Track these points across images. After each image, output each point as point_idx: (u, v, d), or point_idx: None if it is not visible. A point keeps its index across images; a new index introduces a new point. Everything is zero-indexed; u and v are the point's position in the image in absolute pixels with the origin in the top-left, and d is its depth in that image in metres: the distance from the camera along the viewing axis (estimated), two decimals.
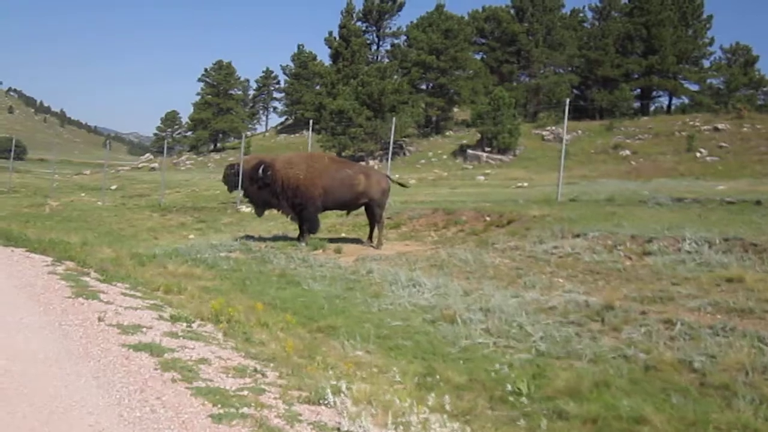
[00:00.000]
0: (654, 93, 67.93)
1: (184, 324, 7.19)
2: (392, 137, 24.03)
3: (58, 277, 9.08)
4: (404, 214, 18.36)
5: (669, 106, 68.50)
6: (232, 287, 10.74)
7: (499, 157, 49.61)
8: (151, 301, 8.36)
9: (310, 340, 7.59)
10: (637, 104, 64.54)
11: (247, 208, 24.15)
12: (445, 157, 52.82)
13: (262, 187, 14.97)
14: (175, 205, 27.06)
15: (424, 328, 8.17)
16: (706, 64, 68.75)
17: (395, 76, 54.62)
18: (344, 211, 16.88)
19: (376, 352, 7.27)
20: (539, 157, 50.01)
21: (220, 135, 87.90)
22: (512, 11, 65.16)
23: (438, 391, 5.82)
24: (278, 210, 15.63)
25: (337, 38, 59.13)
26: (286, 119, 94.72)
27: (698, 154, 44.49)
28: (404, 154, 54.10)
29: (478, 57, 64.72)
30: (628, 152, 47.68)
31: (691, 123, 52.12)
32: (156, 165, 73.12)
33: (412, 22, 67.04)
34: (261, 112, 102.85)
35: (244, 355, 6.12)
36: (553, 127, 54.54)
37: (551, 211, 15.90)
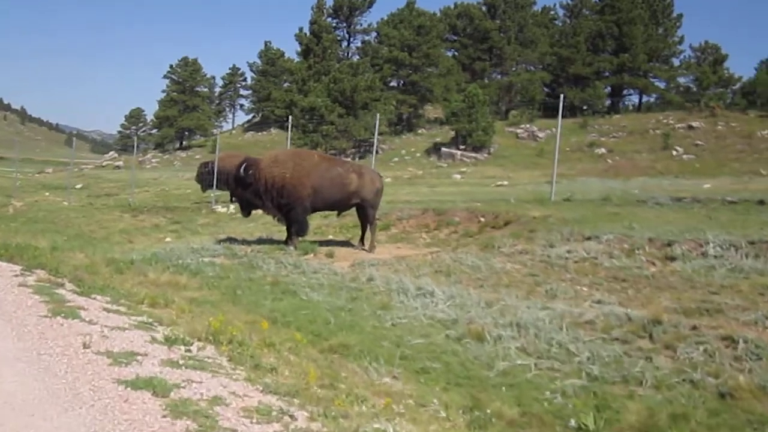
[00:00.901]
0: (625, 91, 67.80)
1: (182, 347, 6.19)
2: (377, 133, 23.27)
3: (30, 290, 7.99)
4: (393, 215, 17.45)
5: (639, 104, 68.43)
6: (223, 298, 9.73)
7: (473, 155, 48.90)
8: (138, 318, 7.33)
9: (324, 362, 6.64)
10: (608, 102, 64.27)
11: (222, 208, 23.06)
12: (418, 155, 51.98)
13: (246, 187, 13.93)
14: (145, 205, 25.83)
15: (451, 346, 7.26)
16: (676, 62, 68.94)
17: (367, 73, 53.58)
18: (333, 212, 15.91)
19: (403, 377, 6.35)
20: (514, 155, 49.45)
21: (186, 133, 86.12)
22: (484, 8, 64.55)
23: (492, 430, 4.91)
24: (264, 211, 14.58)
25: (308, 34, 57.91)
26: (254, 117, 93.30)
27: (674, 152, 44.23)
28: (377, 152, 53.05)
29: (450, 54, 64.00)
30: (603, 150, 47.30)
31: (665, 121, 51.94)
32: (121, 163, 71.47)
33: (382, 18, 66.17)
34: (228, 109, 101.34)
35: (262, 389, 5.15)
36: (528, 125, 54.02)
37: (551, 211, 15.12)
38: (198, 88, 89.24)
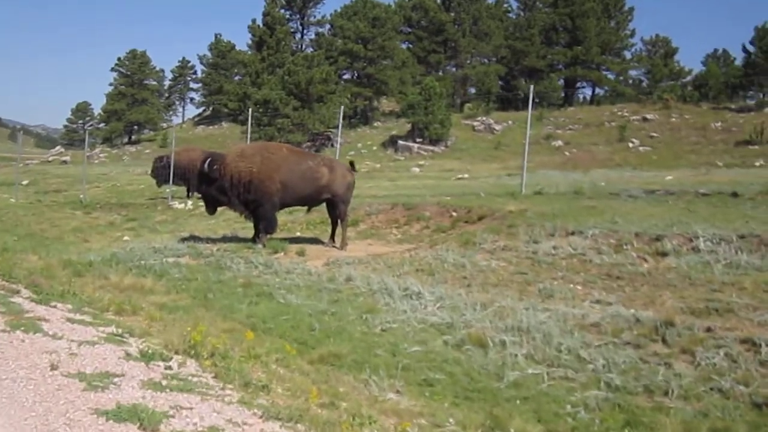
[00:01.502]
0: (578, 84, 68.15)
1: (161, 364, 5.53)
2: (340, 126, 22.31)
3: None
4: (361, 210, 16.83)
5: (592, 96, 68.95)
6: (194, 303, 9.03)
7: (431, 148, 48.52)
8: (107, 329, 6.63)
9: (318, 376, 6.04)
10: (561, 95, 64.55)
11: (180, 204, 22.19)
12: (374, 148, 51.40)
13: (211, 183, 13.18)
14: (98, 201, 24.76)
15: (451, 354, 6.71)
16: (628, 55, 69.61)
17: (323, 66, 52.75)
18: (300, 208, 15.27)
19: (406, 391, 5.78)
20: (471, 148, 49.24)
21: (136, 127, 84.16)
22: (438, 0, 64.13)
23: None
24: (230, 208, 13.83)
25: (261, 26, 56.78)
26: (204, 110, 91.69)
27: (630, 144, 44.47)
28: (332, 145, 52.19)
29: (405, 47, 63.50)
30: (560, 143, 47.37)
31: (619, 113, 52.27)
32: (68, 158, 69.32)
33: (336, 10, 65.40)
34: (177, 103, 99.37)
35: (260, 414, 4.53)
36: (484, 118, 53.85)
37: (525, 205, 14.69)
38: (147, 81, 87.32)
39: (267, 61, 53.58)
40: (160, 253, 12.52)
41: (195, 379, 5.22)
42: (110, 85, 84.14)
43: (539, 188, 18.28)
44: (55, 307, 7.47)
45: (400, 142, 49.55)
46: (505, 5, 71.32)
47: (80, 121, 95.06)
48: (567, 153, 44.68)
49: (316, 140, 52.35)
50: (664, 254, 9.98)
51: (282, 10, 60.69)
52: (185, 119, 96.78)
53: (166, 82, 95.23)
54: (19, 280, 8.97)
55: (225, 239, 14.31)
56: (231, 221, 17.16)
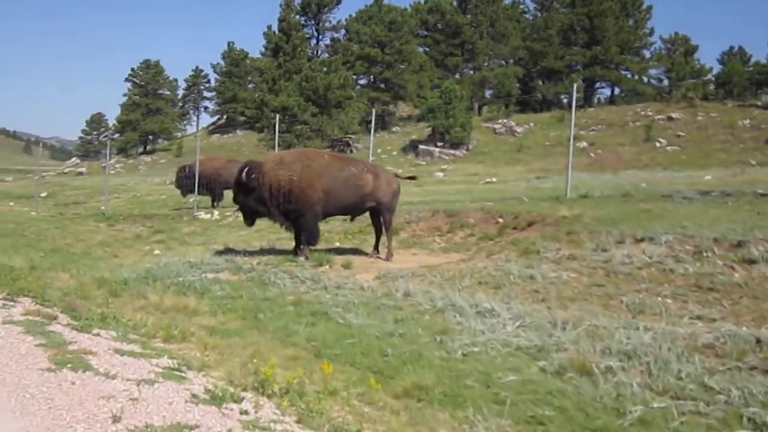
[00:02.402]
0: (597, 84, 67.15)
1: (234, 407, 4.73)
2: (373, 130, 21.39)
3: (19, 328, 6.43)
4: (400, 218, 16.00)
5: (612, 96, 67.93)
6: (244, 324, 8.24)
7: (452, 152, 47.70)
8: (160, 361, 5.86)
9: (409, 415, 5.23)
10: (582, 95, 63.53)
11: (206, 215, 21.47)
12: (395, 153, 50.66)
13: (249, 193, 12.39)
14: (120, 213, 24.10)
15: (553, 384, 5.87)
16: (647, 54, 68.57)
17: (340, 71, 52.07)
18: (335, 217, 14.47)
19: None
20: (493, 151, 48.39)
21: (150, 137, 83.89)
22: (455, 3, 63.37)
23: None
24: (270, 219, 13.03)
25: (277, 32, 56.17)
26: (219, 119, 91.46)
27: (657, 144, 43.50)
28: (351, 150, 51.50)
29: (421, 50, 62.76)
30: (585, 144, 46.40)
31: (643, 113, 51.31)
32: (83, 169, 69.08)
33: (351, 15, 64.82)
34: (192, 112, 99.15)
35: None
36: (505, 120, 53.07)
37: (578, 209, 13.81)
38: (161, 91, 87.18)
39: (283, 68, 52.87)
40: (197, 268, 11.76)
41: (279, 427, 4.42)
42: (124, 95, 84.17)
43: (584, 191, 17.39)
44: (98, 335, 6.72)
45: (421, 146, 48.74)
46: (522, 6, 70.48)
47: (95, 132, 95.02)
48: (592, 154, 43.72)
49: (334, 146, 51.61)
50: (752, 261, 9.09)
51: (297, 16, 60.02)
52: (199, 128, 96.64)
53: (180, 92, 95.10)
54: (53, 302, 8.26)
55: (263, 252, 13.52)
56: (264, 231, 16.40)
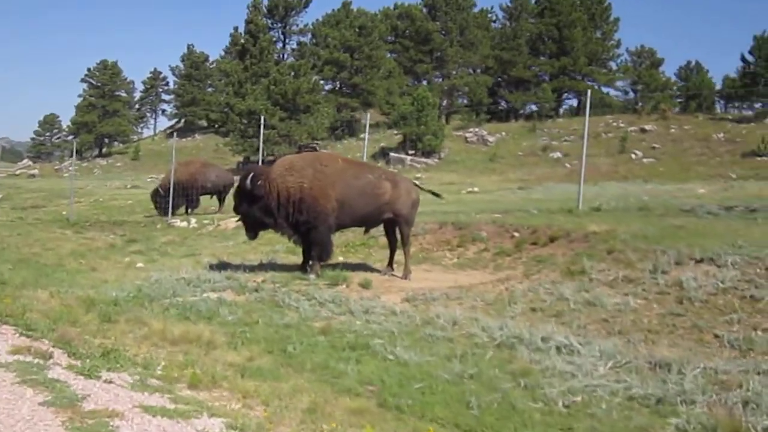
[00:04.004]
0: (564, 94, 66.78)
1: None
2: (366, 135, 20.06)
3: (11, 375, 4.98)
4: None
5: (578, 107, 67.64)
6: (275, 361, 6.86)
7: (424, 160, 46.58)
8: (205, 422, 4.49)
9: None
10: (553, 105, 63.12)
11: (182, 223, 19.90)
12: (364, 160, 49.31)
13: (254, 202, 10.95)
14: (86, 219, 22.32)
15: None
16: (613, 66, 68.57)
17: (309, 75, 50.65)
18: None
19: None
20: (465, 160, 47.44)
21: (106, 139, 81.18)
22: (425, 10, 62.40)
23: None
24: (276, 231, 11.60)
25: (244, 34, 54.45)
26: (177, 122, 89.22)
27: (633, 156, 42.98)
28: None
29: (390, 56, 61.64)
30: (559, 154, 45.77)
31: (615, 124, 50.90)
32: (36, 171, 66.40)
33: (317, 19, 63.45)
34: (149, 114, 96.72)
35: None
36: (477, 129, 52.19)
37: (607, 224, 12.66)
38: (118, 93, 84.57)
39: (250, 71, 51.20)
40: (194, 286, 10.30)
41: None
42: (79, 96, 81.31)
43: (597, 204, 16.31)
44: (110, 381, 5.35)
45: (392, 154, 47.48)
46: (490, 15, 69.90)
47: (47, 134, 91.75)
48: (568, 165, 42.96)
49: (301, 152, 50.13)
50: None
51: (263, 19, 58.34)
52: (157, 131, 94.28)
53: (137, 94, 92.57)
54: (41, 332, 6.83)
55: (264, 267, 12.07)
56: (255, 242, 14.91)
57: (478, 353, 7.02)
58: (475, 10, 66.03)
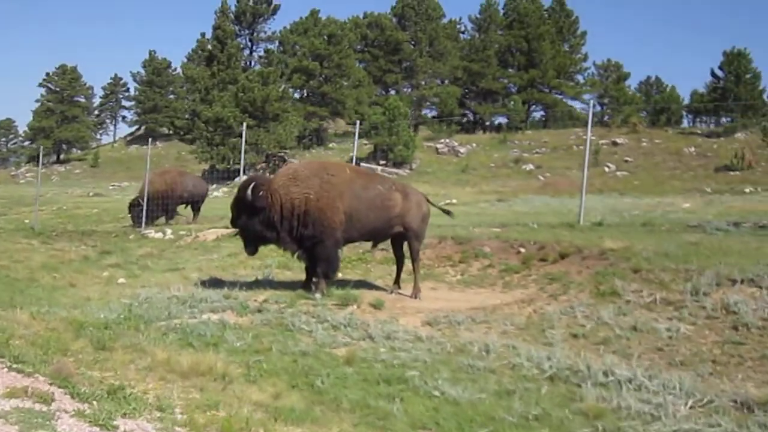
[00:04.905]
0: (532, 107, 66.76)
1: None
2: (356, 144, 19.25)
3: (14, 430, 4.08)
4: None
5: (545, 119, 67.83)
6: (305, 398, 5.98)
7: (395, 170, 45.80)
8: None
9: None
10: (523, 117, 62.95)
11: (157, 234, 18.82)
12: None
13: (255, 214, 10.03)
14: (52, 228, 21.13)
15: None
16: (581, 79, 68.86)
17: (278, 83, 49.67)
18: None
19: None
20: (437, 171, 46.84)
21: (64, 146, 79.05)
22: (395, 19, 61.89)
23: None
24: (279, 246, 10.67)
25: (212, 40, 53.27)
26: (137, 129, 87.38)
27: (606, 169, 42.75)
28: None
29: (360, 66, 60.95)
30: (531, 166, 45.47)
31: (584, 136, 50.53)
32: None
33: (285, 27, 62.58)
34: (108, 121, 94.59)
35: None
36: (448, 140, 51.65)
37: (621, 241, 12.01)
38: (77, 98, 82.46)
39: (218, 77, 50.07)
40: (190, 306, 9.36)
41: None
42: (37, 101, 79.06)
43: (599, 219, 15.69)
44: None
45: (363, 164, 46.56)
46: (458, 26, 69.74)
47: (3, 139, 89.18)
48: (541, 177, 42.66)
49: (269, 161, 49.13)
50: None
51: (231, 25, 57.28)
52: (117, 138, 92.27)
53: (96, 99, 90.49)
54: (33, 365, 5.88)
55: (261, 284, 11.14)
56: (242, 256, 14.01)
57: (531, 388, 6.24)
58: (444, 20, 65.81)
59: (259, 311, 9.16)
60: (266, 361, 6.99)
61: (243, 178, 22.12)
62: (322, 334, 8.11)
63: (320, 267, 10.22)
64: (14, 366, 5.75)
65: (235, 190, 10.87)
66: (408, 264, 11.58)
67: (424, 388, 6.21)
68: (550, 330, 8.04)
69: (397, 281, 11.26)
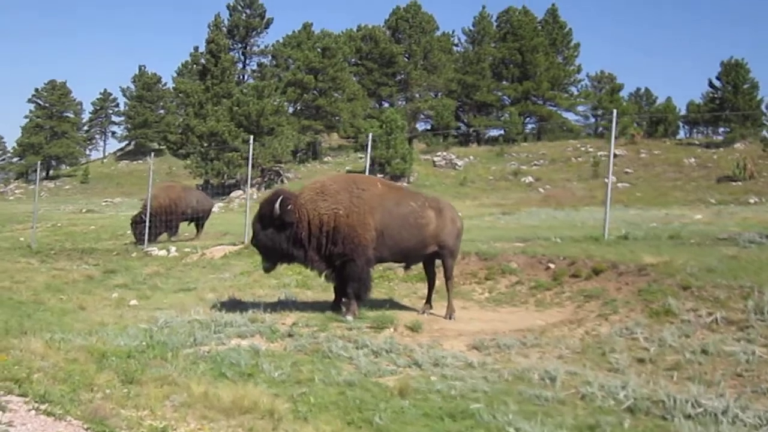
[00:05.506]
0: (527, 119, 66.47)
1: None
2: (368, 155, 18.66)
3: None
4: None
5: (539, 132, 67.52)
6: None
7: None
8: None
9: None
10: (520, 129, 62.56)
11: (161, 251, 18.16)
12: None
13: (281, 230, 9.40)
14: (49, 246, 20.44)
15: None
16: (575, 90, 68.76)
17: (273, 96, 49.08)
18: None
19: None
20: (435, 184, 46.30)
21: (53, 162, 78.15)
22: (388, 32, 61.57)
23: None
24: (306, 265, 10.03)
25: (205, 54, 52.69)
26: (127, 144, 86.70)
27: (606, 181, 42.29)
28: (282, 181, 48.39)
29: (355, 79, 60.55)
30: (531, 179, 45.04)
31: (583, 148, 50.53)
32: None
33: (278, 41, 62.13)
34: (98, 136, 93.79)
35: None
36: (445, 153, 51.26)
37: (662, 256, 11.47)
38: (66, 114, 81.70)
39: (212, 91, 49.41)
40: (214, 331, 8.71)
41: None
42: (26, 117, 78.35)
43: (624, 232, 15.17)
44: None
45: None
46: (452, 39, 69.47)
47: None
48: (541, 189, 42.24)
49: (265, 175, 48.48)
50: None
51: (225, 39, 56.72)
52: (107, 154, 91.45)
53: (86, 115, 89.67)
54: (59, 404, 5.27)
55: (285, 305, 10.47)
56: (256, 275, 13.44)
57: (612, 422, 5.63)
58: (438, 33, 65.53)
59: (290, 336, 8.53)
60: (312, 393, 6.36)
61: (249, 191, 21.54)
62: (365, 361, 7.48)
63: (351, 287, 9.58)
64: (41, 407, 5.11)
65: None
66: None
67: (494, 423, 5.60)
68: (612, 354, 7.44)
69: (428, 301, 10.64)
